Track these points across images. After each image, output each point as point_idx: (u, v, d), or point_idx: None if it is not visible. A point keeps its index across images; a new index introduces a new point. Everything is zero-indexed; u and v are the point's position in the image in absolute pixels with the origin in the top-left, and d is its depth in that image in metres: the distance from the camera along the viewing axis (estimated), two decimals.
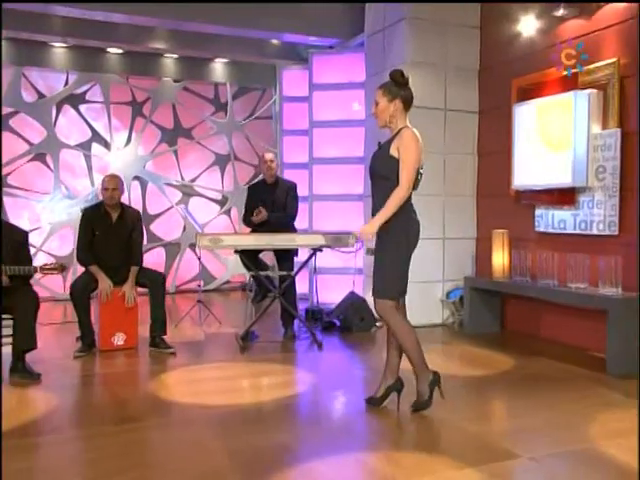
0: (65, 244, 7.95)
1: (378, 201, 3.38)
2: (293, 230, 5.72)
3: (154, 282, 5.03)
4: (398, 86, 3.39)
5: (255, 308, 5.87)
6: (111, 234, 5.03)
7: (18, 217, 7.73)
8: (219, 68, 8.58)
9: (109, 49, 7.87)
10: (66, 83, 7.93)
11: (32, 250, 7.74)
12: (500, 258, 5.50)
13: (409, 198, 3.36)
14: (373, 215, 3.38)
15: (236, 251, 5.33)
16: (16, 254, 4.35)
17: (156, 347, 4.93)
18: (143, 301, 5.05)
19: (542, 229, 5.28)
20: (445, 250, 6.10)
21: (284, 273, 5.49)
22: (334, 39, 7.18)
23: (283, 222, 5.61)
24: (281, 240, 5.21)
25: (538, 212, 5.31)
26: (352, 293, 6.10)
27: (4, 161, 7.64)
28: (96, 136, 8.12)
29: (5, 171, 7.68)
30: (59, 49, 7.72)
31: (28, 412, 3.51)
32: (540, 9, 5.29)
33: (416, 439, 3.14)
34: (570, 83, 4.91)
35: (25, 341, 4.19)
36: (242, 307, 7.37)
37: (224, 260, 8.70)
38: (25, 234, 4.51)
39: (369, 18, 6.47)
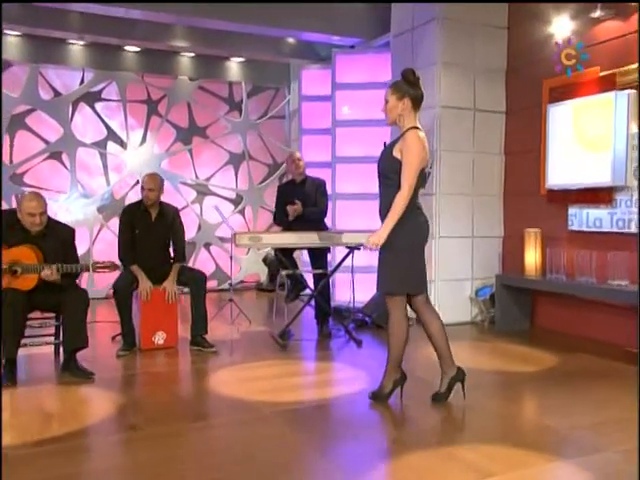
0: (81, 244, 7.81)
1: (382, 200, 3.48)
2: (324, 227, 5.74)
3: (195, 281, 5.01)
4: (409, 85, 3.43)
5: (284, 307, 5.87)
6: (151, 232, 5.02)
7: None
8: (234, 67, 8.56)
9: (126, 47, 7.82)
10: (82, 81, 7.86)
11: None
12: (532, 256, 5.57)
13: (415, 196, 3.42)
14: (380, 213, 3.48)
15: (274, 250, 5.36)
16: (65, 252, 4.32)
17: (198, 346, 4.92)
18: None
19: (575, 228, 5.36)
20: (474, 249, 6.16)
21: (320, 271, 5.51)
22: (357, 38, 7.20)
23: (316, 217, 5.64)
24: (322, 238, 5.22)
25: (572, 211, 5.38)
26: None
27: (20, 159, 7.56)
28: (112, 134, 8.06)
29: (21, 169, 7.59)
30: (76, 47, 7.65)
31: (99, 410, 3.49)
32: (574, 10, 5.36)
33: (499, 433, 3.15)
34: (606, 84, 4.99)
35: (76, 340, 4.16)
36: (261, 306, 7.41)
37: (238, 260, 8.68)
38: (72, 231, 4.48)
39: (396, 18, 6.50)
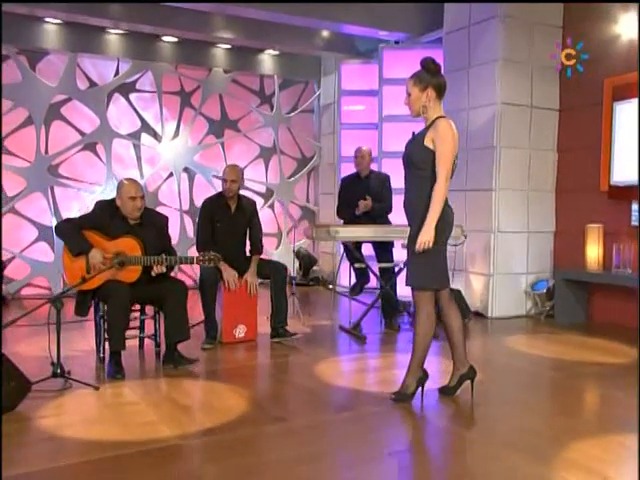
0: None
1: (411, 191, 3.39)
2: (388, 222, 5.77)
3: (276, 272, 4.99)
4: (430, 74, 3.33)
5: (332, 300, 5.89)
6: (231, 225, 4.97)
7: (68, 209, 7.50)
8: (267, 60, 8.51)
9: (163, 37, 7.71)
10: (117, 71, 7.72)
11: None
12: (595, 251, 5.70)
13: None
14: (406, 205, 3.41)
15: (343, 243, 5.37)
16: (162, 241, 4.27)
17: (281, 337, 4.89)
18: None
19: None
20: (529, 243, 6.27)
21: (389, 265, 5.54)
22: (403, 34, 7.23)
23: (383, 213, 5.66)
24: (395, 232, 5.25)
25: (636, 207, 5.52)
26: None
27: (55, 150, 7.39)
28: (145, 126, 7.94)
29: (56, 161, 7.43)
30: (112, 36, 7.51)
31: (234, 402, 3.44)
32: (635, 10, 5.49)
33: None
34: None
35: (179, 332, 4.13)
36: (304, 299, 7.40)
37: (269, 254, 8.64)
38: (167, 219, 4.41)
39: (449, 15, 6.57)
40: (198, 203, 8.16)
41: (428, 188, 3.28)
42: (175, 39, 7.76)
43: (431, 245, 3.24)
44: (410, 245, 3.37)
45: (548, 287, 6.09)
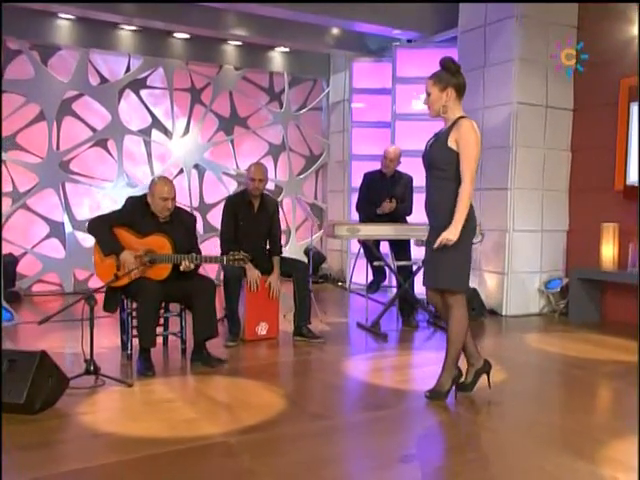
0: None
1: (433, 192, 3.39)
2: (405, 221, 5.79)
3: (299, 271, 5.01)
4: (450, 74, 3.32)
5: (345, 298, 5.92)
6: (254, 223, 4.98)
7: (79, 205, 7.49)
8: (277, 57, 8.51)
9: (175, 34, 7.69)
10: (128, 67, 7.70)
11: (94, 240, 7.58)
12: (610, 250, 5.75)
13: None
14: (428, 206, 3.41)
15: (360, 241, 5.40)
16: (188, 240, 4.27)
17: (304, 337, 4.91)
18: None
19: None
20: (543, 242, 6.32)
21: (408, 263, 5.58)
22: (417, 33, 7.25)
23: (404, 214, 5.69)
24: (414, 231, 5.29)
25: None
26: None
27: (67, 146, 7.37)
28: (156, 123, 7.92)
29: (68, 156, 7.40)
30: (124, 32, 7.48)
31: (270, 399, 3.45)
32: None
33: None
34: None
35: (208, 329, 4.13)
36: (317, 297, 7.41)
37: None
38: (195, 219, 4.43)
39: (464, 14, 6.59)
40: (208, 200, 8.29)
41: (450, 189, 3.29)
42: (187, 35, 7.74)
43: (450, 244, 3.23)
44: (433, 245, 3.33)
45: (562, 286, 6.14)
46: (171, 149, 7.99)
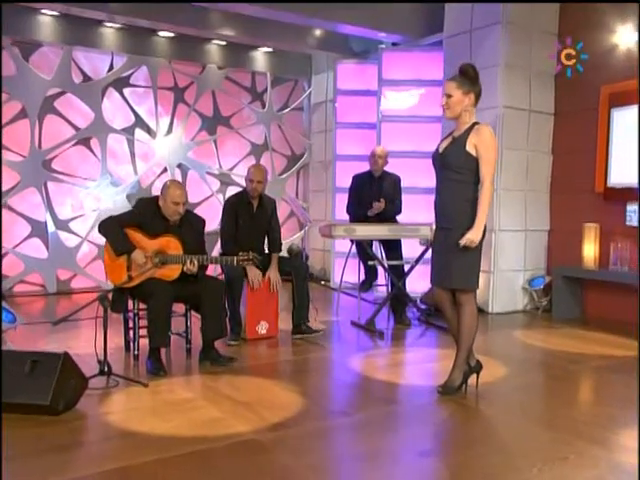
0: None
1: (444, 193, 3.50)
2: (395, 222, 5.92)
3: (297, 269, 5.09)
4: (471, 80, 3.43)
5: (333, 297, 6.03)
6: (253, 223, 5.03)
7: (61, 203, 7.39)
8: (260, 57, 8.53)
9: (159, 32, 7.65)
10: (111, 65, 7.62)
11: (77, 240, 7.49)
12: (591, 249, 5.99)
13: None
14: (436, 207, 3.55)
15: (353, 241, 5.52)
16: (198, 242, 4.30)
17: (304, 334, 4.99)
18: None
19: (634, 223, 5.81)
20: (526, 241, 6.54)
21: (401, 262, 5.70)
22: (403, 36, 7.37)
23: (393, 214, 5.81)
24: (408, 231, 5.43)
25: (630, 208, 5.83)
26: None
27: (49, 145, 7.26)
28: (139, 121, 7.87)
29: (50, 155, 7.30)
30: (108, 29, 7.40)
31: (288, 398, 3.52)
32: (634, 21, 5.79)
33: None
34: None
35: (216, 330, 4.18)
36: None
37: None
38: (204, 222, 4.46)
39: (450, 19, 6.75)
40: (191, 199, 8.20)
41: (462, 191, 3.42)
42: (171, 34, 7.71)
43: (474, 246, 3.37)
44: (450, 246, 3.43)
45: (546, 283, 6.36)
46: (154, 148, 7.95)
